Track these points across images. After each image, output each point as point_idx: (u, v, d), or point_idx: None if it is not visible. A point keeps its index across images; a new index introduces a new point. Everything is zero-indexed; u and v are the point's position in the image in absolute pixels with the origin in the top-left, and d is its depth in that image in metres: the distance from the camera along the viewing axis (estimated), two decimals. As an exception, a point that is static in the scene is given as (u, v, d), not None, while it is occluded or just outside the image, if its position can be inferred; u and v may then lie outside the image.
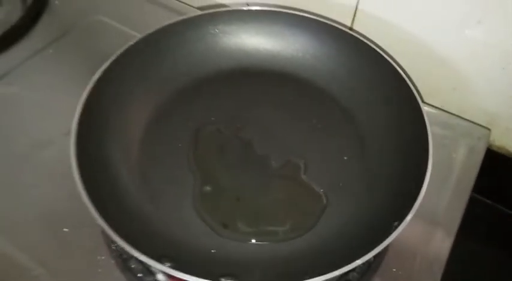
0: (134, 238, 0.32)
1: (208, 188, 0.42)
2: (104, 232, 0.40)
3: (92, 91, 0.41)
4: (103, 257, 0.39)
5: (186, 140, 0.45)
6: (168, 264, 0.30)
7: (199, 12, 0.49)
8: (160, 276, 0.32)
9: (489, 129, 0.51)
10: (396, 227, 0.33)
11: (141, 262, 0.37)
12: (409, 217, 0.34)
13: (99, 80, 0.42)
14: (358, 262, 0.31)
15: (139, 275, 0.37)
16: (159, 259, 0.30)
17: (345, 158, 0.44)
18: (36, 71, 0.53)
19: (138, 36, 0.46)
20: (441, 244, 0.42)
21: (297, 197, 0.42)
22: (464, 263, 0.49)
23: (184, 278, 0.29)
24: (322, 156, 0.45)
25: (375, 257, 0.39)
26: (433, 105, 0.52)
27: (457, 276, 0.47)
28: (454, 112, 0.52)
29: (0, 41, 0.53)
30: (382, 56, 0.45)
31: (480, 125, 0.51)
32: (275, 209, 0.41)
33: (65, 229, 0.40)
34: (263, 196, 0.42)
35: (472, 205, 0.45)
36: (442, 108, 0.52)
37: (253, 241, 0.38)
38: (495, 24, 0.44)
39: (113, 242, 0.38)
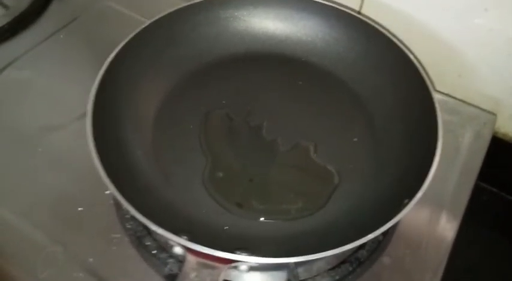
0: (151, 214, 0.33)
1: (221, 170, 0.42)
2: (118, 212, 0.41)
3: (105, 73, 0.41)
4: (118, 235, 0.39)
5: (197, 123, 0.46)
6: (185, 237, 0.31)
7: (209, -3, 0.50)
8: (177, 249, 0.33)
9: (495, 115, 0.51)
10: (406, 204, 0.34)
11: (155, 239, 0.38)
12: (419, 194, 0.34)
13: (112, 64, 0.42)
14: (370, 236, 0.32)
15: (153, 252, 0.38)
16: (176, 233, 0.31)
17: (355, 140, 0.45)
18: (46, 56, 0.53)
19: (147, 21, 0.47)
20: (447, 226, 0.42)
21: (308, 177, 0.43)
22: (470, 250, 0.50)
23: (202, 251, 0.30)
24: (332, 138, 0.45)
25: (383, 236, 0.40)
26: (439, 91, 0.53)
27: (464, 261, 0.47)
28: (460, 98, 0.52)
29: (11, 26, 0.54)
30: (391, 40, 0.46)
31: (486, 111, 0.51)
32: (287, 189, 0.42)
33: (79, 209, 0.41)
34: (274, 177, 0.42)
35: (477, 193, 0.46)
36: (449, 94, 0.53)
37: (266, 219, 0.39)
38: (502, 12, 0.45)
39: (128, 220, 0.39)
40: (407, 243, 0.41)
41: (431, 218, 0.43)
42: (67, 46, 0.54)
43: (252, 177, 0.42)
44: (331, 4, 0.49)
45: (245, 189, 0.41)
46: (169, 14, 0.47)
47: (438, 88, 0.53)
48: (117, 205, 0.41)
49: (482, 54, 0.49)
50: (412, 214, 0.35)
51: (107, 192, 0.41)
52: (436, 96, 0.42)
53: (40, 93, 0.50)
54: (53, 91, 0.50)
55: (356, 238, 0.32)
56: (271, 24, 0.52)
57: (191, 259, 0.31)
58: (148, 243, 0.38)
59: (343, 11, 0.49)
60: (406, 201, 0.35)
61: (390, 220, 0.33)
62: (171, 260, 0.37)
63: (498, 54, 0.48)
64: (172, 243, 0.34)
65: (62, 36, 0.55)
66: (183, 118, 0.46)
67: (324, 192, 0.41)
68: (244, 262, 0.31)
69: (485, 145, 0.48)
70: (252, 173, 0.42)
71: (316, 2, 0.50)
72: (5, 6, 0.57)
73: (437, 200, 0.44)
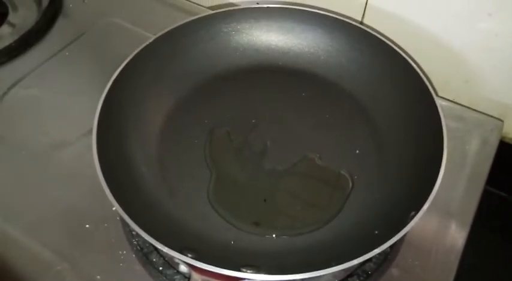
0: (156, 231, 0.33)
1: (228, 187, 0.42)
2: (124, 228, 0.41)
3: (110, 90, 0.42)
4: (124, 252, 0.39)
5: (202, 138, 0.46)
6: (190, 255, 0.31)
7: (212, 12, 0.50)
8: (182, 267, 0.33)
9: (502, 121, 0.51)
10: (413, 216, 0.34)
11: (161, 255, 0.38)
12: (425, 206, 0.34)
13: (117, 80, 0.43)
14: (377, 250, 0.32)
15: (160, 268, 0.38)
16: (181, 251, 0.31)
17: (359, 151, 0.45)
18: (53, 74, 0.54)
19: (152, 36, 0.47)
20: (457, 234, 0.42)
21: (319, 189, 0.43)
22: (479, 255, 0.49)
23: (208, 269, 0.30)
24: (337, 150, 0.45)
25: (391, 248, 0.40)
26: (444, 98, 0.52)
27: (473, 267, 0.47)
28: (466, 104, 0.52)
29: (17, 44, 0.55)
30: (394, 49, 0.46)
31: (493, 117, 0.51)
32: (298, 204, 0.42)
33: (86, 226, 0.41)
34: (285, 192, 0.42)
35: (486, 198, 0.45)
36: (454, 100, 0.52)
37: (278, 236, 0.39)
38: (506, 16, 0.44)
39: (134, 237, 0.39)
40: (416, 253, 0.40)
41: (440, 227, 0.42)
42: (73, 63, 0.55)
43: (264, 196, 0.42)
44: (333, 15, 0.49)
45: (260, 208, 0.41)
46: (173, 29, 0.48)
47: (443, 95, 0.53)
48: (124, 221, 0.41)
49: (488, 60, 0.48)
50: (420, 223, 0.34)
51: (114, 208, 0.41)
52: (441, 103, 0.41)
53: (47, 111, 0.50)
54: (60, 108, 0.50)
55: (363, 251, 0.32)
56: (273, 37, 0.52)
57: (196, 277, 0.31)
58: (155, 259, 0.38)
59: (345, 21, 0.49)
60: (413, 213, 0.34)
61: (397, 233, 0.33)
62: (177, 276, 0.37)
63: (504, 58, 0.47)
64: (177, 261, 0.34)
65: (67, 53, 0.56)
66: (188, 133, 0.46)
67: (335, 203, 0.41)
68: (250, 279, 0.31)
69: (492, 151, 0.48)
70: (262, 190, 0.42)
71: (317, 13, 0.50)
72: (12, 25, 0.58)
73: (445, 208, 0.43)
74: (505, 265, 0.53)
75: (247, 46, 0.52)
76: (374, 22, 0.52)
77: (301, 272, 0.30)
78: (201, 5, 0.61)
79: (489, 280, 0.52)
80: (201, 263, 0.30)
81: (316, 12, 0.50)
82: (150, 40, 0.47)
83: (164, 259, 0.38)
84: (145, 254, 0.38)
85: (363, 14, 0.52)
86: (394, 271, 0.39)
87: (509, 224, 0.56)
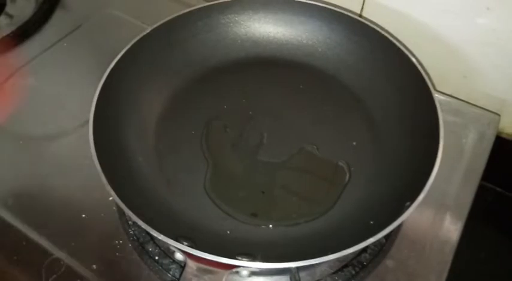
0: (153, 220, 0.33)
1: (225, 178, 0.42)
2: (121, 218, 0.41)
3: (107, 81, 0.42)
4: (120, 242, 0.40)
5: (199, 129, 0.46)
6: (186, 243, 0.31)
7: (210, 3, 0.50)
8: (178, 255, 0.33)
9: (499, 115, 0.51)
10: (408, 207, 0.34)
11: (157, 245, 0.38)
12: (421, 196, 0.34)
13: (114, 71, 0.43)
14: (371, 240, 0.32)
15: (156, 258, 0.38)
16: (177, 239, 0.31)
17: (356, 142, 0.45)
18: (50, 64, 0.54)
19: (149, 28, 0.47)
20: (452, 227, 0.42)
21: (316, 180, 0.43)
22: (475, 250, 0.50)
23: (202, 257, 0.30)
24: (334, 141, 0.45)
25: (386, 239, 0.40)
26: (442, 93, 0.53)
27: (468, 263, 0.47)
28: (464, 99, 0.52)
29: (15, 35, 0.55)
30: (392, 43, 0.46)
31: (490, 111, 0.51)
32: (295, 195, 0.42)
33: (83, 215, 0.41)
34: (282, 184, 0.42)
35: (482, 193, 0.45)
36: (452, 95, 0.53)
37: (275, 226, 0.39)
38: (504, 10, 0.44)
39: (130, 226, 0.39)
40: (411, 245, 0.41)
41: (435, 220, 0.42)
42: (70, 54, 0.55)
43: (261, 187, 0.42)
44: (331, 7, 0.49)
45: (258, 200, 0.41)
46: (170, 20, 0.48)
47: (442, 89, 0.53)
48: (120, 211, 0.41)
49: (486, 54, 0.48)
50: (415, 215, 0.35)
51: (110, 198, 0.42)
52: (439, 98, 0.41)
53: (44, 101, 0.50)
54: (57, 98, 0.50)
55: (357, 241, 0.32)
56: (271, 29, 0.52)
57: (191, 264, 0.31)
58: (151, 249, 0.38)
59: (343, 14, 0.49)
60: (407, 204, 0.35)
61: (393, 221, 0.33)
62: (173, 265, 0.37)
63: (502, 53, 0.47)
64: (173, 249, 0.34)
65: (65, 44, 0.56)
66: (185, 124, 0.46)
67: (332, 194, 0.41)
68: (245, 267, 0.31)
69: (489, 145, 0.48)
70: (260, 181, 0.42)
71: (316, 5, 0.49)
72: (10, 16, 0.58)
73: (441, 201, 0.43)
74: (500, 260, 0.53)
75: (245, 38, 0.51)
76: (373, 15, 0.52)
77: (297, 261, 0.31)
78: (199, -3, 0.61)
79: (484, 275, 0.52)
80: (197, 251, 0.30)
81: (315, 4, 0.50)
82: (147, 31, 0.47)
83: (160, 248, 0.38)
84: (141, 243, 0.39)
85: (362, 7, 0.52)
86: (389, 262, 0.40)
87: (504, 219, 0.56)
